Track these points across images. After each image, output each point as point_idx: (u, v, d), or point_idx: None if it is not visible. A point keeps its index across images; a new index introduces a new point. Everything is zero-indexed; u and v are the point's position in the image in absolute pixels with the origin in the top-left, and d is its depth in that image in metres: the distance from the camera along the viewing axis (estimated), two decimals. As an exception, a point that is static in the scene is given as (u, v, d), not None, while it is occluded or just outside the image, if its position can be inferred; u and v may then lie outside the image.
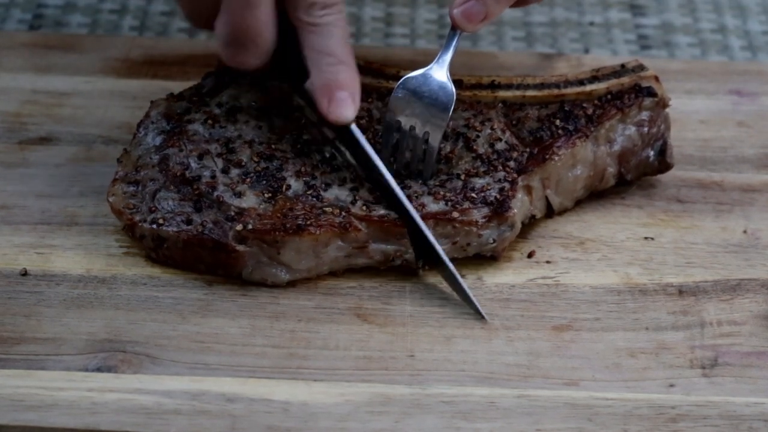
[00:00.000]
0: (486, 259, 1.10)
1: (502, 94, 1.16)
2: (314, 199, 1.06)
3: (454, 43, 1.11)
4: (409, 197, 1.08)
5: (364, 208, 1.06)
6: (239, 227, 1.04)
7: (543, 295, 1.07)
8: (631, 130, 1.16)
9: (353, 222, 1.05)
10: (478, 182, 1.09)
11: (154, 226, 1.06)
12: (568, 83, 1.17)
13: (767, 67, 1.36)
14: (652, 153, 1.17)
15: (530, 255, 1.11)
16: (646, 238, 1.13)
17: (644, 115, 1.16)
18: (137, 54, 1.34)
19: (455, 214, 1.07)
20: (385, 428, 0.95)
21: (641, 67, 1.18)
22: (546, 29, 1.48)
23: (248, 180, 1.08)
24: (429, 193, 1.09)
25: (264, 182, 1.07)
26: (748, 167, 1.22)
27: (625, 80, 1.17)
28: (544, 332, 1.04)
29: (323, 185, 1.08)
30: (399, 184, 1.09)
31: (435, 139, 1.10)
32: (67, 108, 1.26)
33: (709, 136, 1.25)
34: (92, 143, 1.21)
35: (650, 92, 1.16)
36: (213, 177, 1.08)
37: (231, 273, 1.06)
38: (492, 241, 1.08)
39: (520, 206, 1.09)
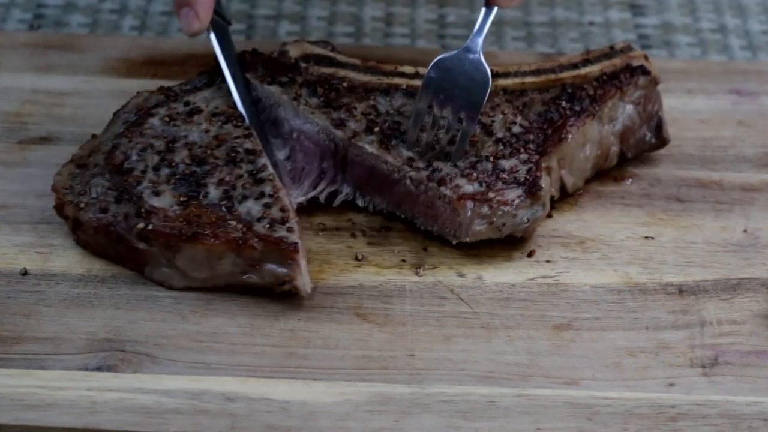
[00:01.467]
0: (486, 258, 1.10)
1: (502, 82, 1.18)
2: (225, 210, 1.06)
3: (488, 23, 1.11)
4: (443, 179, 1.08)
5: (267, 227, 1.05)
6: (141, 225, 1.04)
7: (543, 295, 1.07)
8: (630, 108, 1.18)
9: (249, 239, 1.04)
10: (506, 164, 1.10)
11: (75, 208, 1.07)
12: (562, 68, 1.19)
13: (767, 66, 1.36)
14: (648, 131, 1.20)
15: (530, 254, 1.11)
16: (645, 237, 1.13)
17: (640, 93, 1.18)
18: (137, 54, 1.34)
19: (491, 195, 1.07)
20: (385, 427, 0.95)
21: (629, 48, 1.21)
22: (546, 29, 1.48)
23: (172, 181, 1.08)
24: (462, 175, 1.09)
25: (185, 186, 1.08)
26: (748, 167, 1.22)
27: (617, 61, 1.20)
28: (544, 331, 1.04)
29: (240, 197, 1.07)
30: (428, 166, 1.09)
31: (471, 121, 1.10)
32: (67, 108, 1.26)
33: (709, 135, 1.25)
34: (92, 143, 1.21)
35: (644, 70, 1.18)
36: (143, 172, 1.09)
37: (135, 268, 1.07)
38: (526, 221, 1.08)
39: (545, 186, 1.10)
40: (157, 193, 1.07)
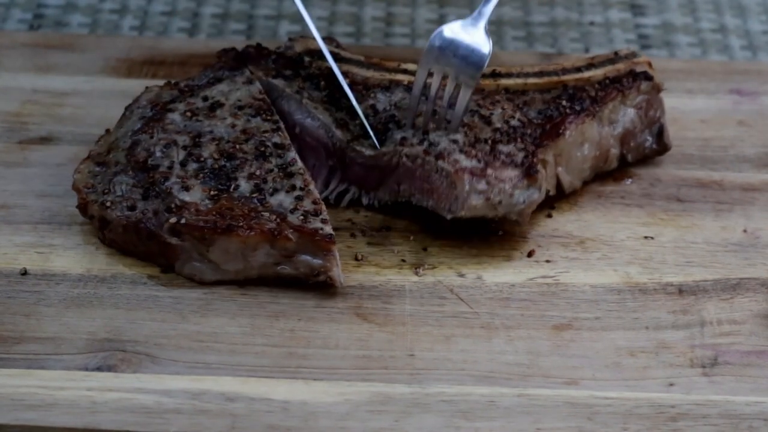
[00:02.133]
0: (486, 258, 1.10)
1: (504, 82, 1.18)
2: (257, 202, 1.06)
3: None
4: (441, 153, 1.09)
5: (301, 218, 1.05)
6: (173, 220, 1.05)
7: (543, 295, 1.07)
8: (631, 112, 1.18)
9: (284, 230, 1.04)
10: (504, 148, 1.10)
11: (101, 207, 1.07)
12: (566, 71, 1.20)
13: (767, 66, 1.36)
14: (650, 136, 1.20)
15: (530, 254, 1.11)
16: (646, 237, 1.13)
17: (642, 98, 1.18)
18: (137, 54, 1.34)
19: (490, 171, 1.08)
20: (385, 427, 0.95)
21: (634, 54, 1.22)
22: (546, 29, 1.48)
23: (201, 175, 1.08)
24: (461, 151, 1.09)
25: (215, 180, 1.08)
26: (748, 166, 1.22)
27: (621, 66, 1.20)
28: (544, 331, 1.04)
29: (271, 190, 1.07)
30: (421, 141, 1.10)
31: (468, 89, 1.10)
32: (67, 108, 1.26)
33: (710, 135, 1.25)
34: (92, 143, 1.21)
35: (647, 76, 1.19)
36: (170, 168, 1.09)
37: (164, 264, 1.07)
38: (522, 202, 1.08)
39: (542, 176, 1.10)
40: (186, 188, 1.07)
